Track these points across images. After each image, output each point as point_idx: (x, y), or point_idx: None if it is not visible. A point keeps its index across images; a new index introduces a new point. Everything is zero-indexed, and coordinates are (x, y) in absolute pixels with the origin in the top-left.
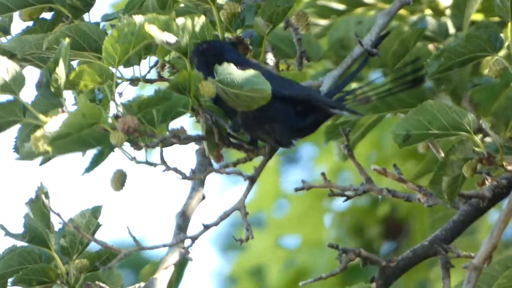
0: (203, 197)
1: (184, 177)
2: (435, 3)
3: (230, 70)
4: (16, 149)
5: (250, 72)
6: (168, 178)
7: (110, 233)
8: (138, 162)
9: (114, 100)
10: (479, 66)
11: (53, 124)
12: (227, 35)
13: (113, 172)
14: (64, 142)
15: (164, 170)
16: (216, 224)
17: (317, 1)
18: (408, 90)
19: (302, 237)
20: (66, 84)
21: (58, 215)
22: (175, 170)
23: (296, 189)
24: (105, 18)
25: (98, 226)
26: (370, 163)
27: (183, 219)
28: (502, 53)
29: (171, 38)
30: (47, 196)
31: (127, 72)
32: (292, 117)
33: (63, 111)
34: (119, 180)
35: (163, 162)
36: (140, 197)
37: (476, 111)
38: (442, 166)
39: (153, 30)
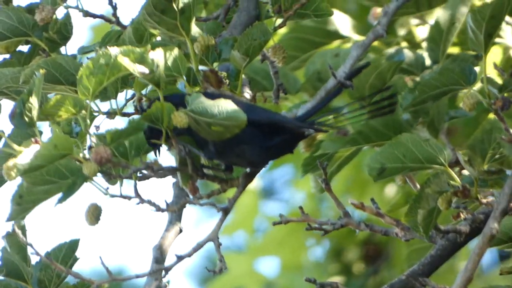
0: (180, 230)
1: (158, 209)
2: (411, 35)
3: (202, 99)
4: None
5: (222, 101)
6: (144, 210)
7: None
8: (112, 196)
9: (88, 132)
10: (456, 99)
11: (25, 155)
12: (203, 67)
13: (87, 206)
14: (38, 173)
15: (138, 203)
16: (189, 255)
17: (293, 34)
18: (383, 121)
19: (281, 260)
20: (40, 115)
21: (34, 249)
22: (149, 202)
23: (274, 223)
24: (82, 50)
25: (75, 259)
26: (349, 187)
27: (160, 252)
28: (477, 86)
29: (144, 69)
30: (24, 230)
31: (104, 106)
32: (261, 138)
33: (36, 141)
34: (94, 214)
35: (137, 194)
36: (119, 227)
37: (453, 144)
38: (417, 199)
39: (126, 62)
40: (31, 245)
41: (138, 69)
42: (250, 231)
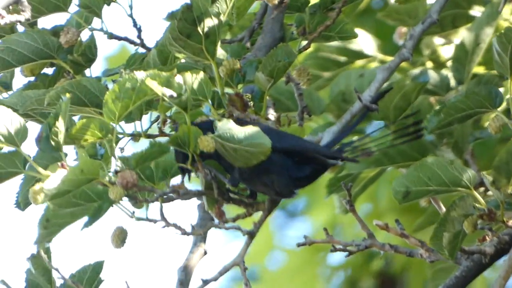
0: (205, 252)
1: (184, 232)
2: (436, 55)
3: (230, 126)
4: (18, 204)
5: (249, 127)
6: (169, 233)
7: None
8: (138, 219)
9: (114, 155)
10: (480, 120)
11: (52, 180)
12: (228, 90)
13: (113, 229)
14: (65, 197)
15: (164, 226)
16: (215, 279)
17: (318, 53)
18: (409, 143)
19: None
20: (67, 138)
21: (58, 271)
22: (175, 226)
23: (299, 244)
24: (106, 73)
25: (100, 281)
26: (366, 217)
27: (185, 274)
28: (502, 108)
29: (172, 93)
30: (48, 251)
31: (129, 127)
32: (290, 168)
33: (62, 166)
34: (120, 237)
35: (163, 218)
36: (143, 251)
37: (478, 165)
38: (443, 222)
39: (154, 85)
40: (56, 269)
41: (166, 93)
42: (266, 261)
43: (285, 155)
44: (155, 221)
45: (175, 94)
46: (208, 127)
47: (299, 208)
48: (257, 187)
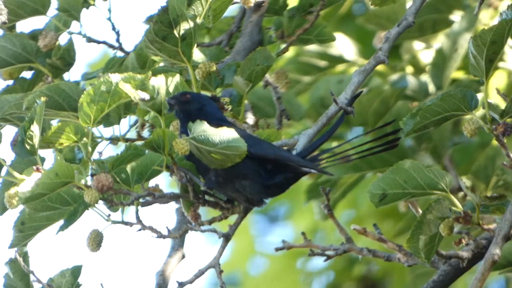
0: (183, 256)
1: (160, 235)
2: (416, 60)
3: (204, 128)
4: None
5: (224, 130)
6: (147, 237)
7: None
8: (114, 222)
9: (89, 159)
10: (459, 125)
11: (26, 184)
12: (205, 93)
13: (88, 232)
14: (40, 200)
15: (139, 229)
16: (191, 282)
17: (298, 58)
18: (387, 151)
19: None
20: (42, 142)
21: (36, 277)
22: (151, 229)
23: (277, 249)
24: (85, 77)
25: (78, 286)
26: (347, 222)
27: (163, 278)
28: (479, 112)
29: (145, 95)
30: (26, 256)
31: (108, 131)
32: (262, 175)
33: (37, 169)
34: (95, 240)
35: (139, 221)
36: (121, 255)
37: (457, 170)
38: (419, 225)
39: (127, 88)
40: (33, 273)
41: (139, 96)
42: (246, 268)
43: (259, 162)
44: (131, 224)
45: (147, 97)
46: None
47: (280, 214)
48: (229, 192)
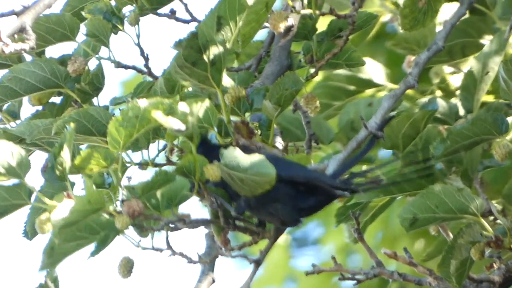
0: (213, 281)
1: (190, 261)
2: (445, 84)
3: (236, 154)
4: (26, 233)
5: (255, 156)
6: (177, 262)
7: None
8: (144, 248)
9: (119, 184)
10: (490, 148)
11: (59, 211)
12: (234, 118)
13: (119, 259)
14: (69, 230)
15: (170, 255)
16: None
17: (327, 82)
18: (418, 178)
19: None
20: (72, 168)
21: None
22: (181, 254)
23: (307, 273)
24: (114, 102)
25: None
26: (378, 243)
27: None
28: (510, 136)
29: (176, 123)
30: (56, 281)
31: (136, 156)
32: (295, 198)
33: (68, 195)
34: (126, 267)
35: (169, 247)
36: (151, 279)
37: (487, 193)
38: (450, 249)
39: (158, 115)
40: None
41: (172, 125)
42: (280, 286)
43: (290, 185)
44: (161, 250)
45: (183, 128)
46: (213, 151)
47: (313, 235)
48: (262, 216)
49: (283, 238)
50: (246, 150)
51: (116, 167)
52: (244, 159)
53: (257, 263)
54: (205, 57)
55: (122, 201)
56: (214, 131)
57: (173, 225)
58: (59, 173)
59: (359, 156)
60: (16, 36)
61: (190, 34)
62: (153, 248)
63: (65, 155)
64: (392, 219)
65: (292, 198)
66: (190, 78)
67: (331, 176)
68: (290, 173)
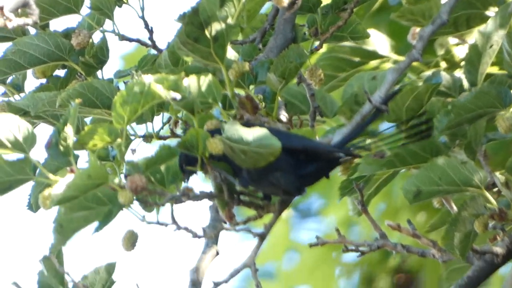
0: (217, 253)
1: (195, 235)
2: (450, 55)
3: (238, 127)
4: (30, 206)
5: (257, 129)
6: (180, 235)
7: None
8: (149, 223)
9: (123, 159)
10: (493, 121)
11: (59, 185)
12: (238, 91)
13: (124, 232)
14: (76, 200)
15: (175, 230)
16: (226, 281)
17: (332, 54)
18: (420, 143)
19: None
20: (76, 143)
21: (68, 274)
22: (186, 229)
23: (311, 245)
24: (118, 75)
25: (112, 282)
26: (380, 216)
27: (197, 275)
28: None
29: (176, 95)
30: (60, 253)
31: (141, 128)
32: (296, 166)
33: (71, 170)
34: (130, 240)
35: (174, 221)
36: (155, 252)
37: (491, 166)
38: (454, 222)
39: (159, 89)
40: (66, 273)
41: (170, 95)
42: (281, 260)
43: (290, 153)
44: (166, 225)
45: (178, 97)
46: (216, 133)
47: (315, 207)
48: (265, 188)
49: (284, 212)
50: (248, 125)
51: (119, 142)
52: (246, 132)
53: (262, 237)
54: (207, 33)
55: (125, 176)
56: (218, 106)
57: (177, 199)
58: (63, 148)
59: (361, 128)
60: (19, 10)
61: (191, 9)
62: (158, 223)
63: (69, 130)
64: (394, 192)
65: (292, 166)
66: (193, 54)
67: (332, 145)
68: (289, 143)
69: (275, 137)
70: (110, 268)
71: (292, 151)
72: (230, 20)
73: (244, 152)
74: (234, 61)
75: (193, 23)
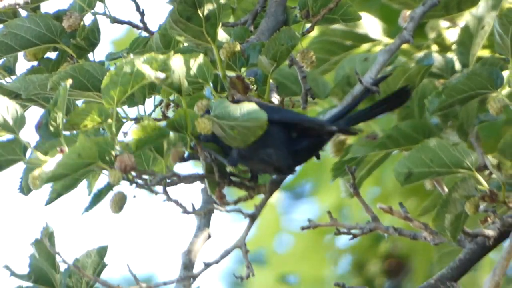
0: (209, 236)
1: (185, 211)
2: (441, 38)
3: (225, 104)
4: (22, 189)
5: (245, 104)
6: (172, 214)
7: (123, 270)
8: (141, 187)
9: (114, 140)
10: (486, 103)
11: (49, 164)
12: (230, 73)
13: (113, 194)
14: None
15: (165, 200)
16: (217, 262)
17: (323, 37)
18: (399, 107)
19: (303, 275)
20: (66, 124)
21: (60, 255)
22: (176, 202)
23: (302, 228)
24: (110, 57)
25: (104, 265)
26: (372, 201)
27: (189, 258)
28: (505, 90)
29: (160, 74)
30: (52, 236)
31: (133, 111)
32: (287, 141)
33: (61, 151)
34: (119, 203)
35: (165, 192)
36: (147, 236)
37: (483, 148)
38: (445, 204)
39: (145, 68)
40: (58, 254)
41: (156, 75)
42: (272, 245)
43: (281, 128)
44: (156, 193)
45: (162, 76)
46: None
47: (306, 191)
48: (256, 165)
49: (275, 196)
50: (239, 102)
51: (110, 123)
52: (233, 107)
53: (253, 217)
54: (199, 12)
55: (115, 156)
56: (210, 86)
57: (169, 180)
58: (53, 129)
59: (350, 107)
60: None
61: None
62: (149, 189)
63: (59, 111)
64: (385, 177)
65: (284, 142)
66: (185, 34)
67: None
68: (280, 116)
69: (265, 111)
70: (102, 251)
71: (284, 126)
72: (222, 0)
73: (232, 128)
74: (225, 41)
75: (186, 2)
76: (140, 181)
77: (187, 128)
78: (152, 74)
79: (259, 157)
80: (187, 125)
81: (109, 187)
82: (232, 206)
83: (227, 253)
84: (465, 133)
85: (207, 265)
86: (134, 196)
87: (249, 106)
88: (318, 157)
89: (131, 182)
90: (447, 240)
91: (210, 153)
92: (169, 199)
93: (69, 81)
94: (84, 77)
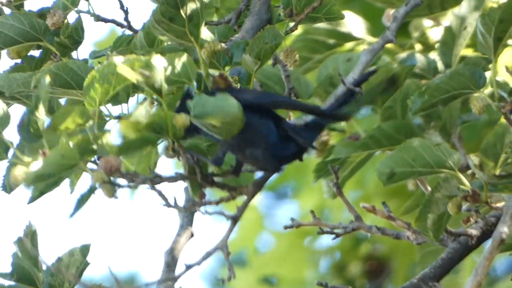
0: (192, 235)
1: (167, 204)
2: (425, 38)
3: (203, 101)
4: (4, 187)
5: (218, 97)
6: (156, 213)
7: (106, 269)
8: (126, 173)
9: (95, 141)
10: (467, 103)
11: (34, 166)
12: (213, 71)
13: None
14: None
15: (148, 188)
16: (198, 263)
17: (307, 36)
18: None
19: (283, 276)
20: (49, 128)
21: (41, 258)
22: (160, 194)
23: (285, 227)
24: (93, 55)
25: (86, 264)
26: (354, 202)
27: (172, 257)
28: (488, 90)
29: (145, 72)
30: (35, 235)
31: (116, 110)
32: (274, 144)
33: (43, 153)
34: (110, 191)
35: (150, 182)
36: (130, 235)
37: (466, 148)
38: (427, 203)
39: (126, 70)
40: (38, 255)
41: (139, 75)
42: (254, 245)
43: (271, 120)
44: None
45: (147, 73)
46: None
47: (288, 191)
48: (243, 159)
49: (257, 197)
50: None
51: (91, 124)
52: (209, 103)
53: (234, 219)
54: (182, 13)
55: (99, 157)
56: (193, 85)
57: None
58: (33, 131)
59: (333, 108)
60: None
61: None
62: (132, 177)
63: (41, 112)
64: (367, 177)
65: (271, 146)
66: (168, 34)
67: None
68: (260, 100)
69: (242, 95)
70: (84, 250)
71: (265, 109)
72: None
73: (213, 125)
74: (206, 41)
75: (169, 3)
76: (122, 184)
77: (168, 131)
78: (137, 75)
79: (246, 157)
80: (168, 128)
81: (91, 190)
82: (214, 207)
83: (208, 254)
84: (448, 133)
85: (188, 267)
86: (116, 197)
87: (221, 98)
88: (301, 159)
89: (113, 183)
90: (429, 240)
91: (192, 154)
92: (153, 187)
93: (48, 78)
94: (68, 75)
